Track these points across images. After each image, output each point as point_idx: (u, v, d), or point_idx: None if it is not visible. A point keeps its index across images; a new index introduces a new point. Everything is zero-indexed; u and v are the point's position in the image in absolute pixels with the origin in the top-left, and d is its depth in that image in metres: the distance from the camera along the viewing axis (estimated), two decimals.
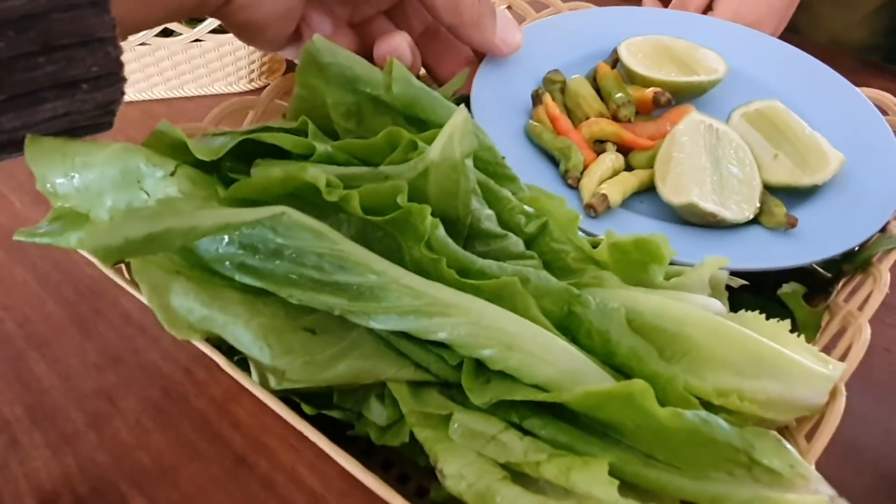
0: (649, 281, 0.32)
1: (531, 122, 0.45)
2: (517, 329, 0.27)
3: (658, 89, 0.46)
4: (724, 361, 0.27)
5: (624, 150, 0.45)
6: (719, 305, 0.31)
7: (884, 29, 0.87)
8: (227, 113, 0.44)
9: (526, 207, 0.33)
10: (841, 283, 0.40)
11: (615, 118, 0.46)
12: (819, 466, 0.25)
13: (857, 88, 0.50)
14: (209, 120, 0.43)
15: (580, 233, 0.33)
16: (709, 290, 0.32)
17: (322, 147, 0.31)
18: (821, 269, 0.40)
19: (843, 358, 0.30)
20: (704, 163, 0.41)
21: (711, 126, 0.43)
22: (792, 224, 0.40)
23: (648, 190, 0.43)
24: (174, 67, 0.67)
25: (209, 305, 0.27)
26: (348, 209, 0.28)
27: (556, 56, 0.51)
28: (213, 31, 0.65)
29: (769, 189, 0.43)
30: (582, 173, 0.42)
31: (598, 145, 0.45)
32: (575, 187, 0.42)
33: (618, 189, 0.41)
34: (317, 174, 0.27)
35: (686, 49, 0.50)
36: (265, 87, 0.76)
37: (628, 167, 0.44)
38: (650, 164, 0.43)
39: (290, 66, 0.77)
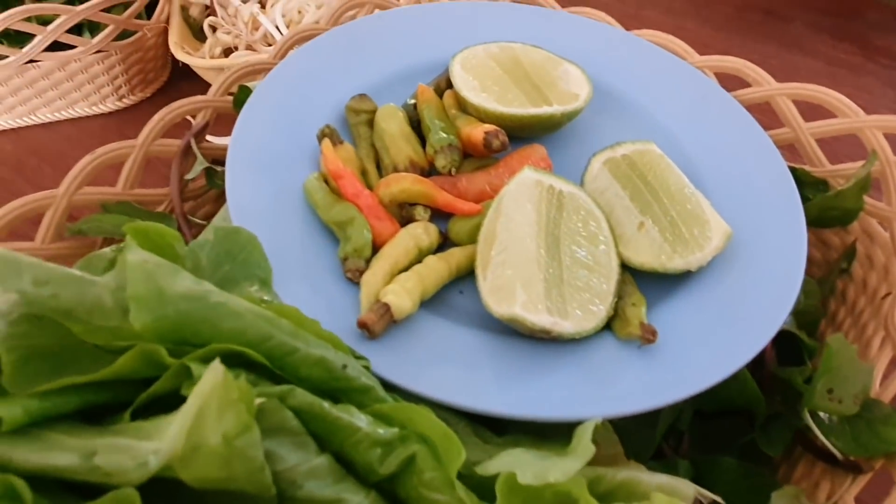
0: None
1: (312, 176, 0.33)
2: None
3: (491, 128, 0.33)
4: None
5: (447, 214, 0.33)
6: None
7: None
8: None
9: (381, 431, 0.22)
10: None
11: (433, 168, 0.34)
12: None
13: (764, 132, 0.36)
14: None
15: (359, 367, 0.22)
16: None
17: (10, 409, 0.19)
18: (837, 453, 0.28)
19: None
20: (536, 250, 0.29)
21: (552, 188, 0.31)
22: (648, 339, 0.28)
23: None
24: (14, 93, 0.57)
25: None
26: None
27: (365, 72, 0.37)
28: (51, 49, 0.55)
29: (632, 271, 0.30)
30: (371, 260, 0.30)
31: (408, 210, 0.32)
32: (358, 283, 0.30)
33: (411, 288, 0.28)
34: None
35: (541, 63, 0.36)
36: (142, 101, 0.68)
37: (448, 243, 0.32)
38: (475, 237, 0.31)
39: (176, 70, 0.66)
